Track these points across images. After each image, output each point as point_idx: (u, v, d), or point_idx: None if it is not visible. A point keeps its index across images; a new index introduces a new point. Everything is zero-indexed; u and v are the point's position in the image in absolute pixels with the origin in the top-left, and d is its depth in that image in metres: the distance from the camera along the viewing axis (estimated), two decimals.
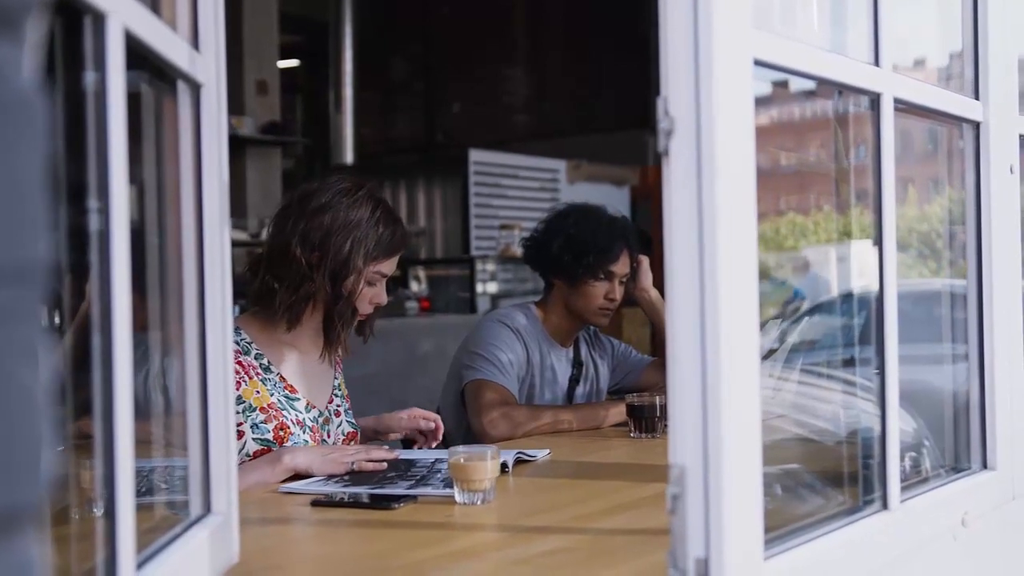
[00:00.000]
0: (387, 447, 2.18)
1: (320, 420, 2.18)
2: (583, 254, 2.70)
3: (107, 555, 0.89)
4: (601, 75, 9.28)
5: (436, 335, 5.82)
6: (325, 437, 2.18)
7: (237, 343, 2.09)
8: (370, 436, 2.34)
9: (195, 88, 1.22)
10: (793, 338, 1.91)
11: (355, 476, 1.94)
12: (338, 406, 2.25)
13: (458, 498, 1.72)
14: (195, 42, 1.22)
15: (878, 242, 1.40)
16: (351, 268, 2.10)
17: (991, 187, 1.68)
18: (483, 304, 7.13)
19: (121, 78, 0.90)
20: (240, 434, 2.02)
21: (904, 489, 1.43)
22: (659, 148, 1.08)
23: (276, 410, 2.09)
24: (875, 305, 1.41)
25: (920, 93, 1.55)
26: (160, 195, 1.21)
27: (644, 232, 3.45)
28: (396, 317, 5.99)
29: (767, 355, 1.71)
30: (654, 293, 2.84)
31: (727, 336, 1.06)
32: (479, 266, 7.31)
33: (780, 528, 1.21)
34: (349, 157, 8.88)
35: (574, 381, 2.84)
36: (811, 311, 1.91)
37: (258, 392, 2.08)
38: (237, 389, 2.04)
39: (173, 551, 1.09)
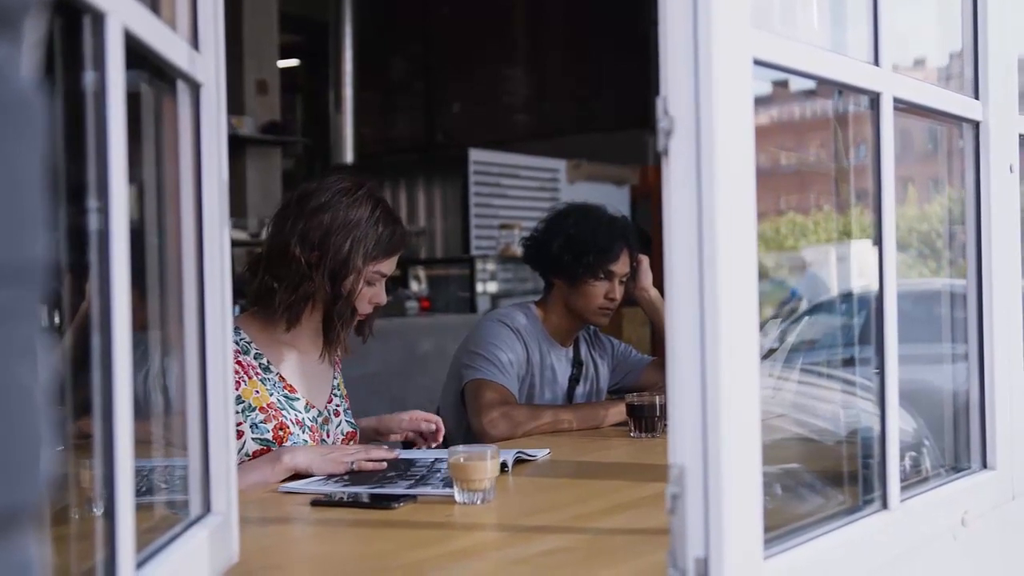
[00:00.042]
0: (387, 447, 2.18)
1: (319, 420, 2.18)
2: (583, 254, 2.70)
3: (107, 555, 0.89)
4: (601, 75, 9.28)
5: (436, 335, 5.81)
6: (324, 437, 2.18)
7: (236, 343, 2.09)
8: (370, 437, 2.34)
9: (195, 88, 1.22)
10: (793, 338, 1.91)
11: (355, 476, 1.94)
12: (337, 406, 2.25)
13: (458, 498, 1.72)
14: (195, 42, 1.22)
15: (878, 242, 1.40)
16: (350, 268, 2.10)
17: (991, 187, 1.68)
18: (483, 304, 7.12)
19: (121, 78, 0.90)
20: (240, 434, 2.02)
21: (904, 489, 1.43)
22: (659, 148, 1.08)
23: (275, 410, 2.09)
24: (875, 305, 1.41)
25: (920, 93, 1.55)
26: (160, 195, 1.21)
27: (644, 232, 3.45)
28: (396, 317, 5.99)
29: (767, 355, 1.71)
30: (654, 292, 2.84)
31: (727, 336, 1.06)
32: (479, 266, 7.30)
33: (780, 528, 1.21)
34: (349, 157, 8.87)
35: (574, 381, 2.84)
36: (811, 311, 1.91)
37: (257, 392, 2.08)
38: (236, 389, 2.04)
39: (173, 551, 1.09)
